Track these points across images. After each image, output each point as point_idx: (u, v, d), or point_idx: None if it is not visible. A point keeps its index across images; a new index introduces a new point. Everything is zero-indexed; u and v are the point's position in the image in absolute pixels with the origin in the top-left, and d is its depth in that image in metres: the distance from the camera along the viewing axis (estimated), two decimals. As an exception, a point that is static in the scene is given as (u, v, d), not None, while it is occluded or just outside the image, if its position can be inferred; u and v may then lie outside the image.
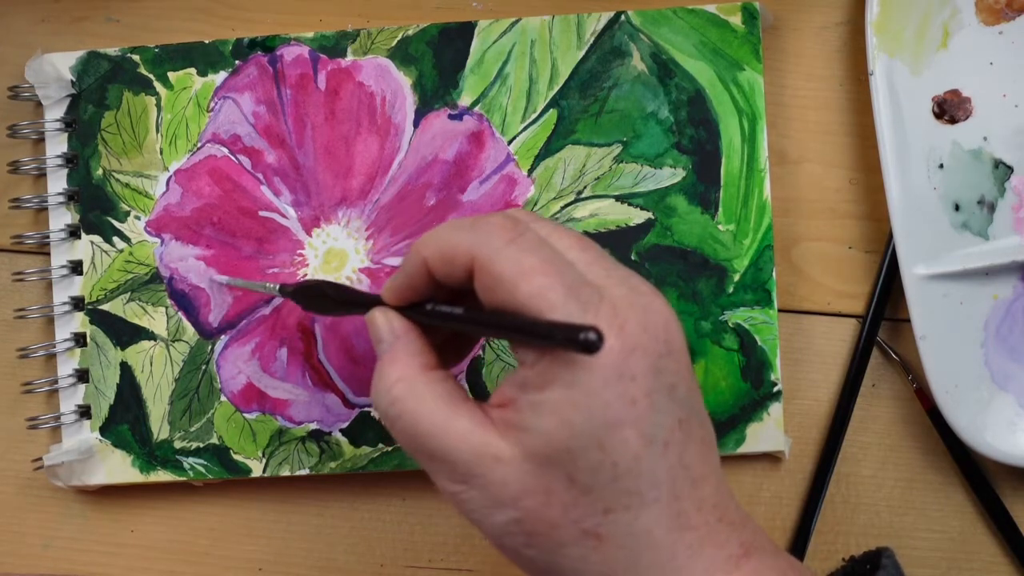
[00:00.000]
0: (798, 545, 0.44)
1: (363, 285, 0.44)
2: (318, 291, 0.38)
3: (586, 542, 0.30)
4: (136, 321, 0.44)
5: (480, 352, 0.43)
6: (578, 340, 0.27)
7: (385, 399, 0.32)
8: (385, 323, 0.34)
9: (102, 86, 0.45)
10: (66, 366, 0.45)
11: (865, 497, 0.44)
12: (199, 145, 0.45)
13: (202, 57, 0.45)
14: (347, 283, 0.44)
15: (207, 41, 0.45)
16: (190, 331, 0.44)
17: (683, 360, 0.31)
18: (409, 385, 0.32)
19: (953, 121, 0.43)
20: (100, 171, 0.45)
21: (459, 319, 0.32)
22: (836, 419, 0.44)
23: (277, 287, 0.40)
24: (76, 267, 0.45)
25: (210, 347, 0.44)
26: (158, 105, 0.45)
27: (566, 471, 0.29)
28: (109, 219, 0.45)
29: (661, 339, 0.30)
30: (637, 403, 0.29)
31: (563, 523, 0.30)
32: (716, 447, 0.32)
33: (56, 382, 0.45)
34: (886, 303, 0.44)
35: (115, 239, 0.45)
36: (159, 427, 0.44)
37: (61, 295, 0.45)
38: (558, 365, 0.29)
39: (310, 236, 0.44)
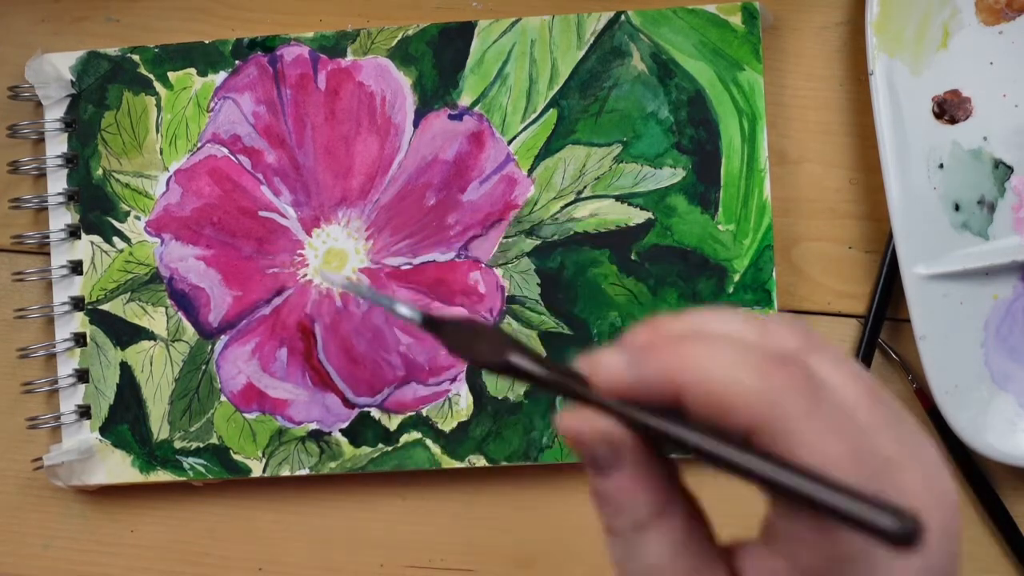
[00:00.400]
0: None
1: (363, 285, 0.44)
2: (494, 340, 0.26)
3: None
4: (136, 321, 0.44)
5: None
6: (893, 532, 0.21)
7: (625, 536, 0.25)
8: (630, 488, 0.25)
9: (102, 86, 0.45)
10: (66, 366, 0.45)
11: (865, 497, 0.44)
12: (199, 145, 0.45)
13: (202, 57, 0.45)
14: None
15: (207, 41, 0.45)
16: (190, 331, 0.44)
17: (960, 558, 0.25)
18: (664, 529, 0.25)
19: (953, 121, 0.43)
20: (100, 171, 0.45)
21: (724, 463, 0.24)
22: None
23: (419, 315, 0.28)
24: (76, 267, 0.45)
25: (210, 347, 0.44)
26: (158, 105, 0.45)
27: None
28: (109, 219, 0.45)
29: (955, 546, 0.24)
30: None
31: None
32: None
33: (56, 382, 0.45)
34: (887, 303, 0.44)
35: (115, 239, 0.45)
36: (159, 427, 0.44)
37: (61, 295, 0.45)
38: (848, 558, 0.23)
39: (310, 236, 0.44)
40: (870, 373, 0.27)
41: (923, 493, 0.24)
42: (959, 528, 0.24)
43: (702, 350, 0.24)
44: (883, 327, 0.44)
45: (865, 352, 0.44)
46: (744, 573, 0.25)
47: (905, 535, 0.21)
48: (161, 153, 0.45)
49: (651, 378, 0.24)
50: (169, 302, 0.44)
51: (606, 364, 0.24)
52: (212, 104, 0.45)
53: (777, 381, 0.23)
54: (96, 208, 0.45)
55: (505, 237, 0.44)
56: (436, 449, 0.43)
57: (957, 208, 0.42)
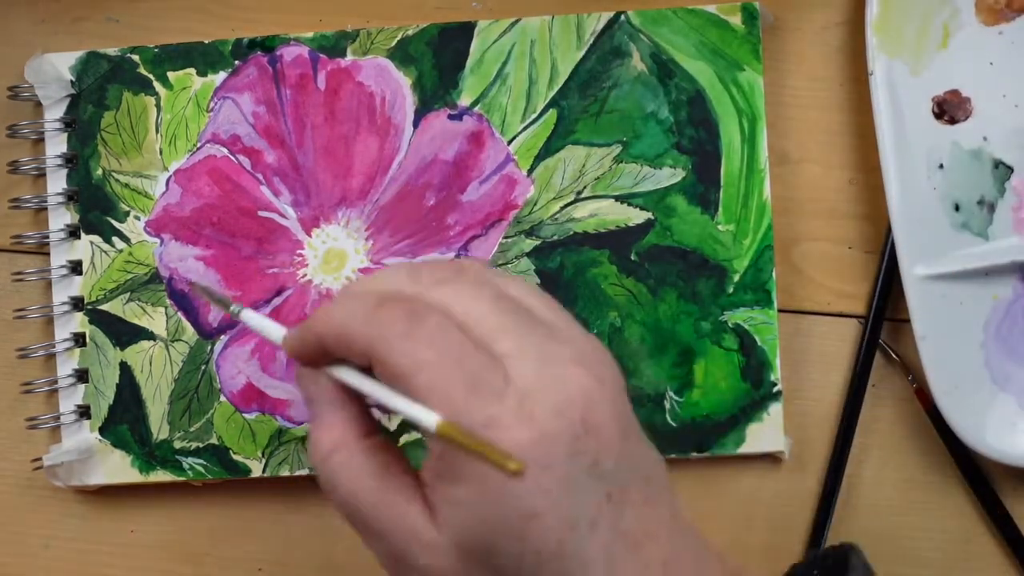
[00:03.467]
0: (809, 547, 0.44)
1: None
2: None
3: None
4: (136, 321, 0.44)
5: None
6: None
7: (322, 468, 0.31)
8: (313, 383, 0.32)
9: (102, 86, 0.45)
10: (66, 366, 0.45)
11: (865, 497, 0.44)
12: (199, 145, 0.45)
13: (202, 57, 0.45)
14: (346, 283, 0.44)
15: (207, 41, 0.45)
16: (189, 331, 0.44)
17: (611, 431, 0.29)
18: (347, 455, 0.31)
19: (953, 121, 0.43)
20: (100, 171, 0.45)
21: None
22: (843, 421, 0.44)
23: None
24: (76, 267, 0.45)
25: (210, 347, 0.44)
26: (158, 105, 0.45)
27: (489, 564, 0.29)
28: (109, 219, 0.45)
29: (577, 419, 0.28)
30: (553, 490, 0.28)
31: None
32: (667, 495, 0.31)
33: (56, 382, 0.45)
34: (886, 303, 0.44)
35: (115, 239, 0.45)
36: (159, 427, 0.44)
37: (61, 295, 0.45)
38: (465, 460, 0.28)
39: (310, 236, 0.44)
40: (523, 290, 0.31)
41: (538, 389, 0.28)
42: (582, 402, 0.28)
43: (331, 307, 0.30)
44: (884, 328, 0.44)
45: (865, 352, 0.44)
46: (434, 501, 0.29)
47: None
48: (161, 153, 0.45)
49: (309, 338, 0.31)
50: (169, 302, 0.44)
51: (284, 338, 0.32)
52: (212, 104, 0.45)
53: (380, 315, 0.29)
54: (96, 208, 0.45)
55: (505, 237, 0.44)
56: (436, 449, 0.43)
57: (957, 208, 0.42)
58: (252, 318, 0.35)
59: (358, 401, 0.32)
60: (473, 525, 0.28)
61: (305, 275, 0.44)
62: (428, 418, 0.27)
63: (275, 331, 0.33)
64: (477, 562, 0.29)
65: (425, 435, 0.29)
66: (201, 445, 0.44)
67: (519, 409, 0.28)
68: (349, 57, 0.44)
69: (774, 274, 0.43)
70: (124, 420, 0.44)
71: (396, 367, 0.28)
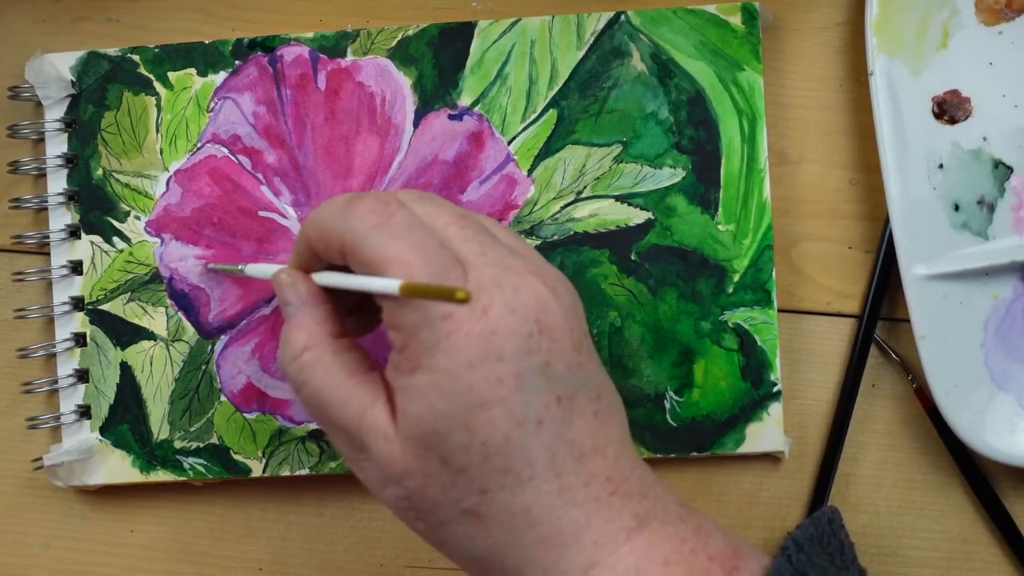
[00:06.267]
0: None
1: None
2: None
3: (467, 520, 0.31)
4: (136, 321, 0.44)
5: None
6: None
7: (293, 365, 0.33)
8: (291, 286, 0.34)
9: (102, 86, 0.45)
10: (66, 366, 0.45)
11: (865, 497, 0.44)
12: (199, 145, 0.45)
13: (202, 57, 0.45)
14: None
15: (207, 41, 0.45)
16: (190, 331, 0.44)
17: (563, 338, 0.31)
18: (316, 353, 0.33)
19: (953, 121, 0.43)
20: (100, 171, 0.45)
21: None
22: (836, 420, 0.44)
23: None
24: (76, 267, 0.45)
25: (210, 347, 0.44)
26: (158, 105, 0.45)
27: (439, 453, 0.30)
28: (109, 219, 0.45)
29: (531, 319, 0.30)
30: (504, 383, 0.30)
31: (444, 503, 0.31)
32: (619, 420, 0.33)
33: (56, 382, 0.45)
34: (881, 302, 0.44)
35: (115, 239, 0.45)
36: (159, 427, 0.44)
37: (61, 295, 0.45)
38: (423, 350, 0.30)
39: (310, 236, 0.44)
40: (488, 220, 0.34)
41: (494, 288, 0.30)
42: (537, 306, 0.30)
43: (318, 210, 0.33)
44: (883, 327, 0.44)
45: (861, 352, 0.44)
46: (393, 396, 0.31)
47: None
48: (161, 153, 0.45)
49: (300, 247, 0.34)
50: (169, 302, 0.44)
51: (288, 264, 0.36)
52: (212, 104, 0.45)
53: (352, 210, 0.31)
54: (96, 208, 0.45)
55: (505, 237, 0.44)
56: (436, 449, 0.43)
57: (957, 208, 0.42)
58: (255, 268, 0.40)
59: (330, 304, 0.34)
60: (425, 414, 0.30)
61: (305, 275, 0.44)
62: (391, 285, 0.29)
63: (274, 268, 0.36)
64: (429, 452, 0.30)
65: (389, 318, 0.31)
66: (201, 445, 0.44)
67: (475, 304, 0.30)
68: (349, 57, 0.44)
69: (774, 274, 0.43)
70: (124, 420, 0.44)
71: (366, 258, 0.31)
